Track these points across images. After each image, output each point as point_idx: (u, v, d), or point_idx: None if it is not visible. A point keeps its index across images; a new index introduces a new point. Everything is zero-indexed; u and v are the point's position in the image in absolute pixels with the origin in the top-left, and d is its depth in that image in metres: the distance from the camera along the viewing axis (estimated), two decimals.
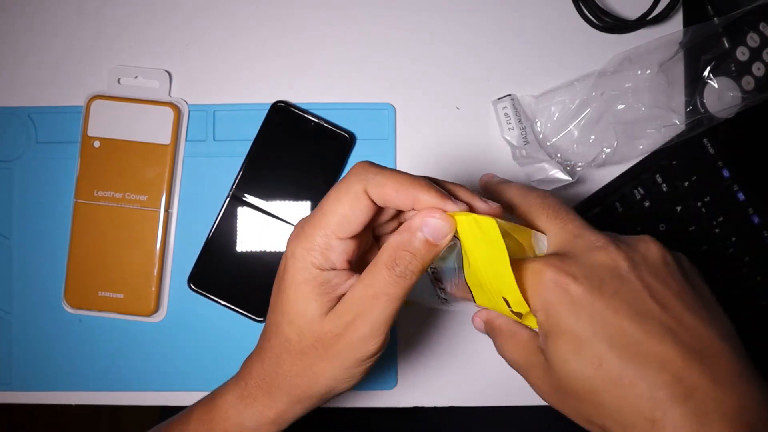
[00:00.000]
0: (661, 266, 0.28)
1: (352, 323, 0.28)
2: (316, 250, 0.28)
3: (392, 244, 0.28)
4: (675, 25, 0.46)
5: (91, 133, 0.44)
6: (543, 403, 0.45)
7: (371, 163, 0.29)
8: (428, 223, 0.28)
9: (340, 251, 0.29)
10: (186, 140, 0.45)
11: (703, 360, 0.25)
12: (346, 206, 0.28)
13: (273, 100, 0.45)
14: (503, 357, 0.32)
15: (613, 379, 0.26)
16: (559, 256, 0.29)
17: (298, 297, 0.29)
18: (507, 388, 0.45)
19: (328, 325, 0.29)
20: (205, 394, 0.44)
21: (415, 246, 0.28)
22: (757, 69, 0.43)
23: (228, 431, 0.32)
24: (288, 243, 0.30)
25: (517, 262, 0.29)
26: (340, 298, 0.29)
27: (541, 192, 0.32)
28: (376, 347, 0.29)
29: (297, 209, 0.44)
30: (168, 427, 0.35)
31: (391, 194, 0.28)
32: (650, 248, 0.29)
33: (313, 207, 0.44)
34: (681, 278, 0.28)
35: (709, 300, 0.28)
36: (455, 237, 0.28)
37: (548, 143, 0.44)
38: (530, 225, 0.31)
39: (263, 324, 0.44)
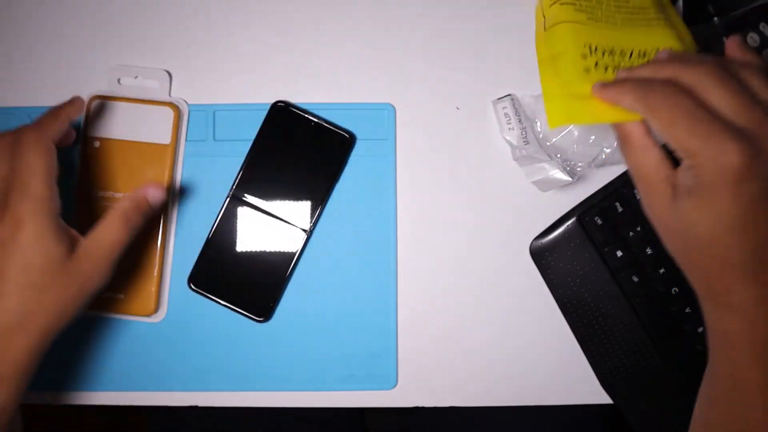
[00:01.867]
0: None
1: (98, 264, 0.36)
2: (51, 200, 0.35)
3: (126, 205, 0.38)
4: None
5: (91, 133, 0.44)
6: (543, 403, 0.45)
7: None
8: (149, 192, 0.39)
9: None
10: (186, 140, 0.45)
11: None
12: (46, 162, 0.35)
13: (273, 100, 0.45)
14: (627, 160, 0.34)
15: (725, 247, 0.31)
16: (748, 137, 0.29)
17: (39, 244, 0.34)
18: (508, 388, 0.45)
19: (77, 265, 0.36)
20: (205, 393, 0.45)
21: (143, 209, 0.39)
22: None
23: None
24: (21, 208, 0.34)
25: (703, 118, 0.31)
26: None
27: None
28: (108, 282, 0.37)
29: (297, 209, 0.44)
30: None
31: None
32: None
33: (313, 207, 0.44)
34: None
35: None
36: None
37: (548, 143, 0.44)
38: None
39: (263, 324, 0.44)
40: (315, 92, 0.46)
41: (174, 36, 0.46)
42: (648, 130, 0.33)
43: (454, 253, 0.45)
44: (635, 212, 0.44)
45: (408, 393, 0.45)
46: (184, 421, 0.55)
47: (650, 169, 0.33)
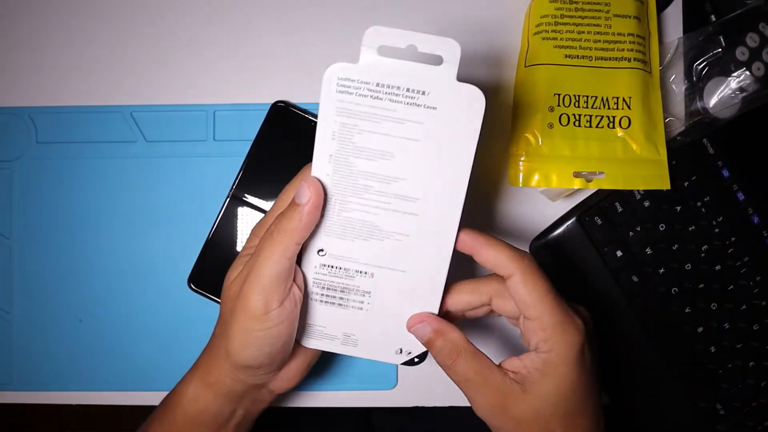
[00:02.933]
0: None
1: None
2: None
3: None
4: (675, 26, 0.46)
5: None
6: None
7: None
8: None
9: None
10: (186, 140, 0.45)
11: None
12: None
13: (273, 100, 0.45)
14: (459, 374, 0.33)
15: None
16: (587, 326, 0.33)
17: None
18: None
19: None
20: None
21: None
22: (757, 69, 0.43)
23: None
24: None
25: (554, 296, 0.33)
26: None
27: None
28: None
29: None
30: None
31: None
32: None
33: None
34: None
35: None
36: None
37: None
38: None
39: None
40: (315, 92, 0.46)
41: (174, 36, 0.46)
42: (466, 338, 0.33)
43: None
44: (635, 212, 0.44)
45: (408, 393, 0.45)
46: None
47: (488, 373, 0.33)
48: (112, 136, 0.45)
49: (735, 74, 0.43)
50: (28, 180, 0.45)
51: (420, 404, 0.45)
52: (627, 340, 0.44)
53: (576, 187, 0.41)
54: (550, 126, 0.41)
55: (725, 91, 0.43)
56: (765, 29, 0.44)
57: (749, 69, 0.43)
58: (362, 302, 0.35)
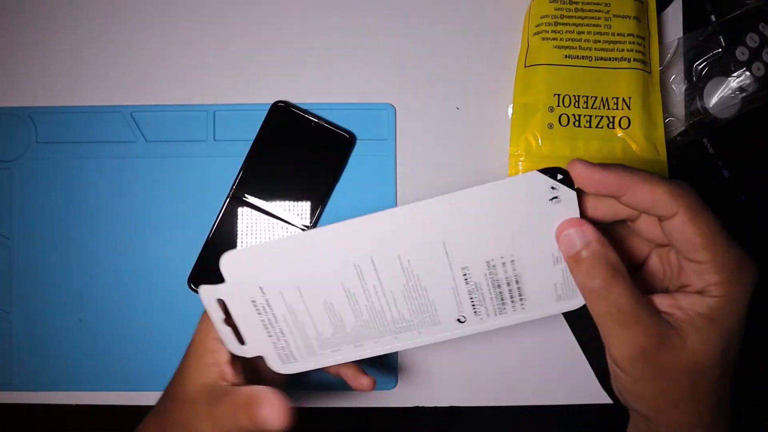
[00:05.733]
0: None
1: None
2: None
3: None
4: (675, 26, 0.46)
5: None
6: (542, 403, 0.45)
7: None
8: None
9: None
10: (186, 140, 0.45)
11: None
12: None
13: (273, 100, 0.45)
14: (598, 298, 0.27)
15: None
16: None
17: None
18: (507, 388, 0.45)
19: None
20: None
21: None
22: (757, 69, 0.43)
23: None
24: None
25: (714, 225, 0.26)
26: None
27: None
28: None
29: (297, 209, 0.44)
30: None
31: None
32: None
33: (313, 207, 0.44)
34: None
35: None
36: None
37: None
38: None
39: None
40: (315, 92, 0.46)
41: (174, 36, 0.46)
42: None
43: None
44: None
45: (408, 393, 0.45)
46: None
47: (642, 306, 0.26)
48: (112, 136, 0.45)
49: (735, 74, 0.43)
50: (28, 180, 0.45)
51: (420, 404, 0.45)
52: None
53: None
54: (550, 126, 0.41)
55: (725, 91, 0.43)
56: (765, 29, 0.44)
57: (749, 69, 0.43)
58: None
